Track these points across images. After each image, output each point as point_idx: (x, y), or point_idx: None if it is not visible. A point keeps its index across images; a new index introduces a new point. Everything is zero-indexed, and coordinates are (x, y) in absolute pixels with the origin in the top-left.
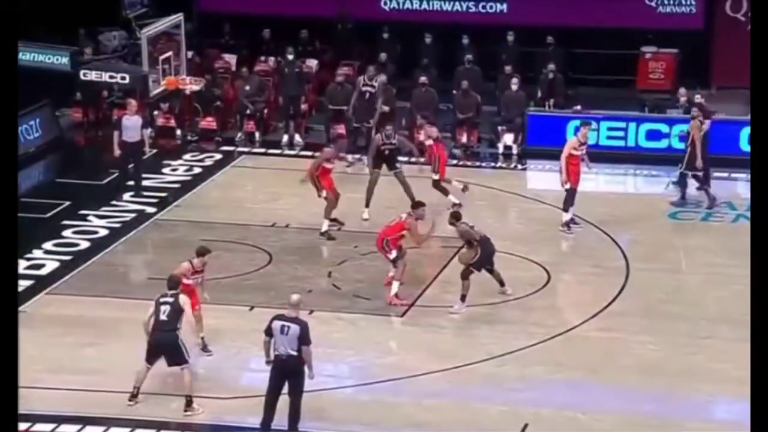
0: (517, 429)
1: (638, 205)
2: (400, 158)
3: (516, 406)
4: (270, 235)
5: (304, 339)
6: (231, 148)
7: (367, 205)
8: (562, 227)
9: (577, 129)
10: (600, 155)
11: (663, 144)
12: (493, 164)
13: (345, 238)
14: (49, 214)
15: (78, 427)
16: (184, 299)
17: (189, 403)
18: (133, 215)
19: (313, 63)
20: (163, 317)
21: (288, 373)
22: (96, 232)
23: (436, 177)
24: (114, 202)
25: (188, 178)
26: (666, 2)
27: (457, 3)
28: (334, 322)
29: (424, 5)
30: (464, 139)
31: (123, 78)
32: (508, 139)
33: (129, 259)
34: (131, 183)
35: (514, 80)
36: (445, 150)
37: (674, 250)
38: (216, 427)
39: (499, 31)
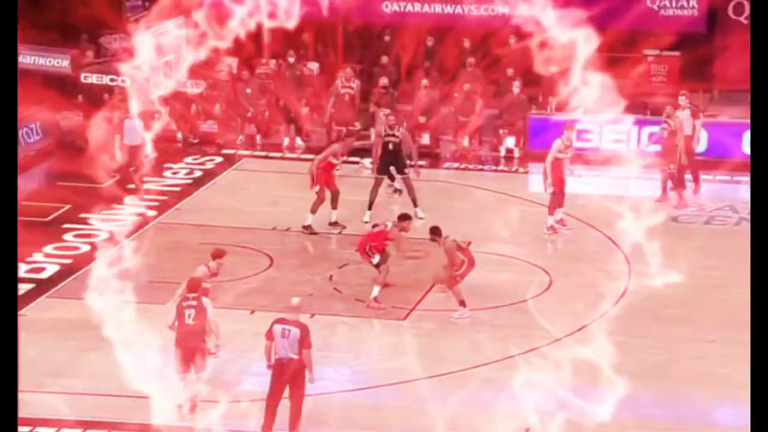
0: None
1: (640, 208)
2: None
3: (517, 411)
4: (271, 239)
5: (304, 342)
6: (232, 152)
7: (369, 208)
8: (548, 230)
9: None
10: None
11: None
12: (494, 167)
13: (346, 242)
14: (49, 218)
15: (79, 431)
16: (206, 300)
17: (194, 407)
18: (134, 219)
19: (314, 66)
20: (189, 321)
21: (289, 376)
22: (96, 236)
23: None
24: (115, 206)
25: (189, 181)
26: (668, 5)
27: (458, 6)
28: (335, 325)
29: (426, 8)
30: (466, 142)
31: (124, 81)
32: (509, 141)
33: (130, 263)
34: (132, 186)
35: (516, 83)
36: None
37: (677, 254)
38: None
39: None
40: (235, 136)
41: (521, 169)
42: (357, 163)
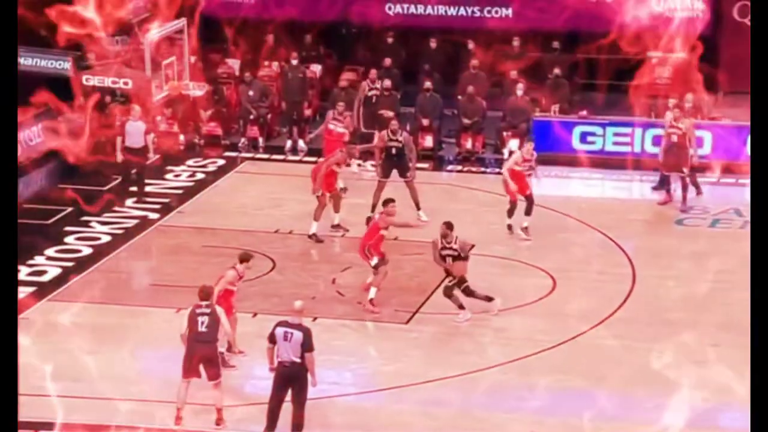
0: None
1: (644, 211)
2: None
3: (521, 415)
4: (273, 242)
5: (307, 345)
6: (234, 154)
7: (373, 210)
8: (522, 231)
9: (519, 147)
10: (606, 161)
11: None
12: (497, 170)
13: (349, 245)
14: (51, 220)
15: None
16: (220, 309)
17: (220, 418)
18: (135, 221)
19: (317, 68)
20: (202, 329)
21: (291, 380)
22: (98, 239)
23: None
24: (117, 208)
25: (191, 183)
26: (673, 6)
27: (461, 8)
28: (337, 328)
29: (429, 10)
30: (469, 144)
31: (126, 83)
32: (513, 144)
33: (131, 266)
34: (134, 189)
35: (519, 85)
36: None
37: (681, 257)
38: None
39: (504, 36)
40: (238, 138)
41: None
42: (359, 166)
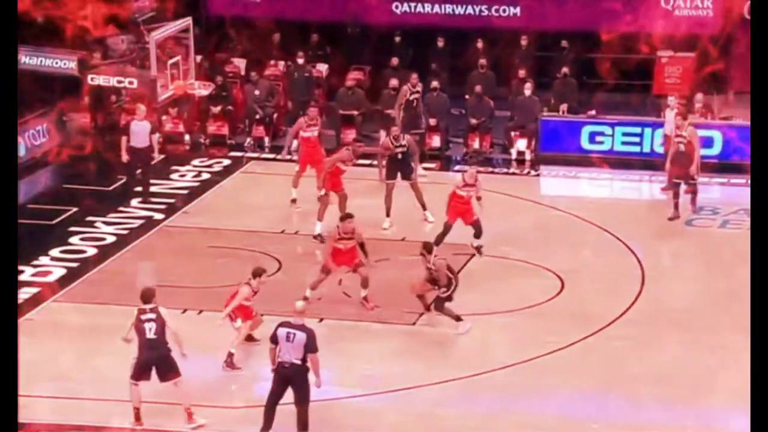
0: None
1: (654, 211)
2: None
3: (529, 417)
4: (279, 242)
5: (310, 346)
6: (240, 154)
7: (387, 215)
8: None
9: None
10: (615, 161)
11: None
12: (506, 170)
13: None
14: (55, 221)
15: None
16: (164, 311)
17: (190, 415)
18: (140, 222)
19: (323, 67)
20: (151, 335)
21: (291, 381)
22: (103, 239)
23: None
24: (122, 209)
25: (196, 184)
26: (683, 5)
27: (469, 6)
28: (344, 330)
29: (436, 9)
30: (477, 144)
31: (131, 83)
32: (521, 144)
33: (137, 267)
34: (139, 189)
35: (528, 85)
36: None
37: (690, 258)
38: None
39: (512, 35)
40: (243, 138)
41: (532, 172)
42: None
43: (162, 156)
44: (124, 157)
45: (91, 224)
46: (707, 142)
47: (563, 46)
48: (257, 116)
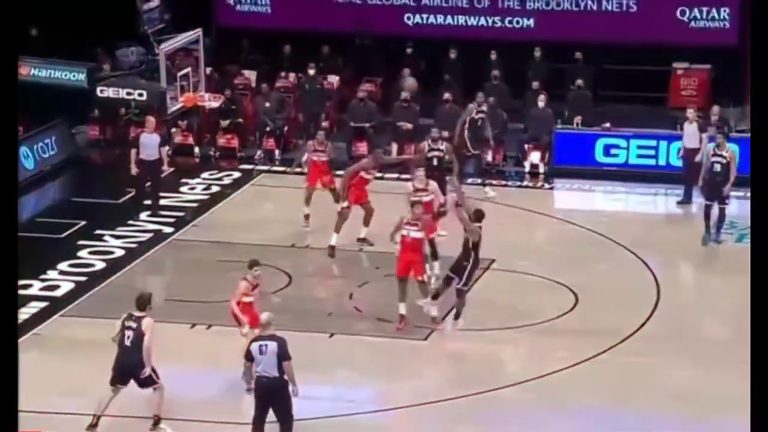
0: None
1: (669, 225)
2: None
3: None
4: (289, 256)
5: (283, 354)
6: (250, 167)
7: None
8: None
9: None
10: (630, 174)
11: None
12: (519, 183)
13: (367, 259)
14: (64, 234)
15: None
16: (147, 323)
17: (156, 423)
18: (149, 235)
19: (334, 79)
20: (127, 343)
21: (270, 395)
22: (112, 253)
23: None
24: (131, 222)
25: (206, 197)
26: (698, 17)
27: (482, 18)
28: (354, 345)
29: (449, 20)
30: (490, 157)
31: (140, 95)
32: (534, 157)
33: (146, 281)
34: (148, 202)
35: (542, 97)
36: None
37: (707, 272)
38: None
39: (526, 47)
40: (254, 150)
41: (546, 185)
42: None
43: (171, 169)
44: (134, 170)
45: (99, 238)
46: None
47: (577, 58)
48: (267, 128)
